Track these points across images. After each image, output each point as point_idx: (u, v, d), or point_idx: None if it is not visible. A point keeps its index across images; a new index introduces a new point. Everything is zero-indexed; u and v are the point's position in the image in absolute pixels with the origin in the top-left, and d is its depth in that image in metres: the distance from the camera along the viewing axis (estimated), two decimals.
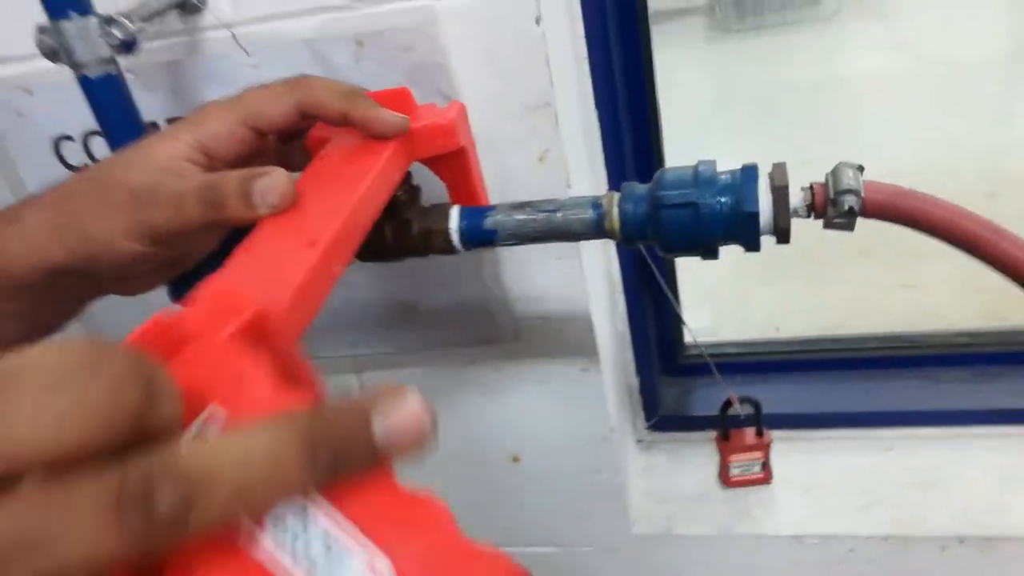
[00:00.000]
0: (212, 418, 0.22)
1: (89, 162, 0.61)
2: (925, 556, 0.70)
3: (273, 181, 0.37)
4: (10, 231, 0.40)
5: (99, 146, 0.60)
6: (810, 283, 1.51)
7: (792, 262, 1.55)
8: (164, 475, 0.18)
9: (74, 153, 0.61)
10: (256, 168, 0.38)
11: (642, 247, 0.72)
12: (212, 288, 0.30)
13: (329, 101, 0.42)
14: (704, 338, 0.84)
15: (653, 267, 0.74)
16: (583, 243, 0.61)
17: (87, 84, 0.47)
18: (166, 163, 0.40)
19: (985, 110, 2.55)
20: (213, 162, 0.42)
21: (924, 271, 1.47)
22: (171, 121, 0.58)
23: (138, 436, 0.19)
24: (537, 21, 0.50)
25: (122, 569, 0.18)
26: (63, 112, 0.59)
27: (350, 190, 0.39)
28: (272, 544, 0.21)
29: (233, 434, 0.21)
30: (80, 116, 0.59)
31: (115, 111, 0.48)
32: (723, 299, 1.49)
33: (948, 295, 1.38)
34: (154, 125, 0.58)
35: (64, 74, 0.56)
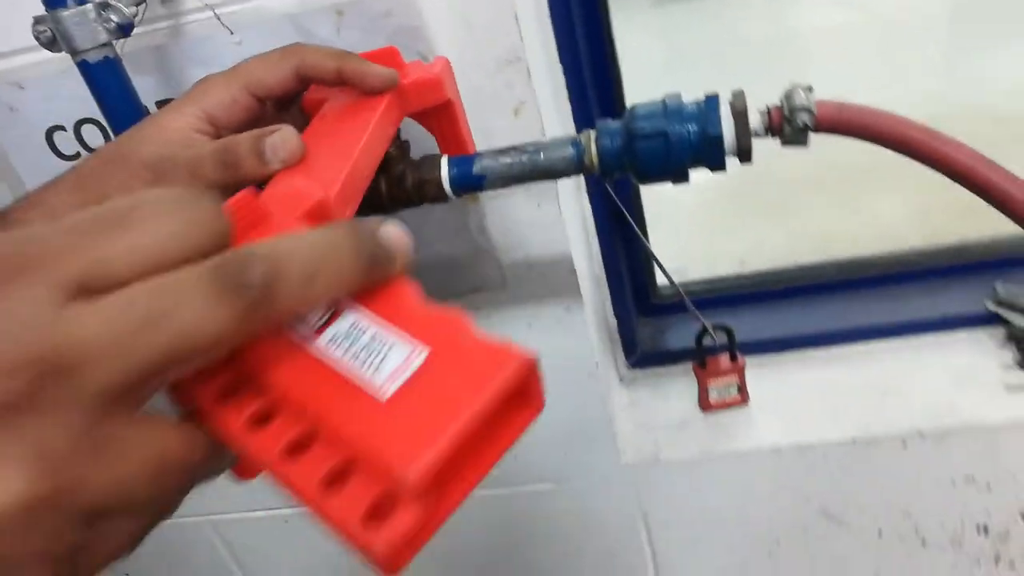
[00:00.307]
0: None
1: (82, 150, 0.63)
2: (890, 453, 0.77)
3: (282, 137, 0.41)
4: (36, 213, 0.43)
5: (90, 133, 0.63)
6: (769, 219, 1.60)
7: (751, 200, 1.63)
8: (252, 256, 0.22)
9: (67, 142, 0.63)
10: (265, 128, 0.42)
11: (612, 192, 0.77)
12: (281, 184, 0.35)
13: (323, 62, 0.45)
14: (675, 278, 0.89)
15: (624, 211, 0.79)
16: (560, 190, 0.65)
17: (87, 69, 0.49)
18: (177, 135, 0.43)
19: (928, 63, 2.65)
20: (219, 131, 0.45)
21: (874, 199, 1.55)
22: (160, 104, 0.61)
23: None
24: None
25: (228, 351, 0.22)
26: (54, 103, 0.61)
27: (352, 142, 0.42)
28: (325, 341, 0.25)
29: (299, 232, 0.25)
30: (70, 106, 0.61)
31: (115, 93, 0.50)
32: (689, 240, 1.57)
33: (897, 219, 1.47)
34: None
35: (52, 66, 0.59)
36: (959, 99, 2.20)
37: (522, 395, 0.24)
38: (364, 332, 0.25)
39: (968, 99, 2.17)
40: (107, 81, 0.50)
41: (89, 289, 0.21)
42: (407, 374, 0.24)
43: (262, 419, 0.24)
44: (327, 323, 0.25)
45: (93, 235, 0.21)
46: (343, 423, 0.23)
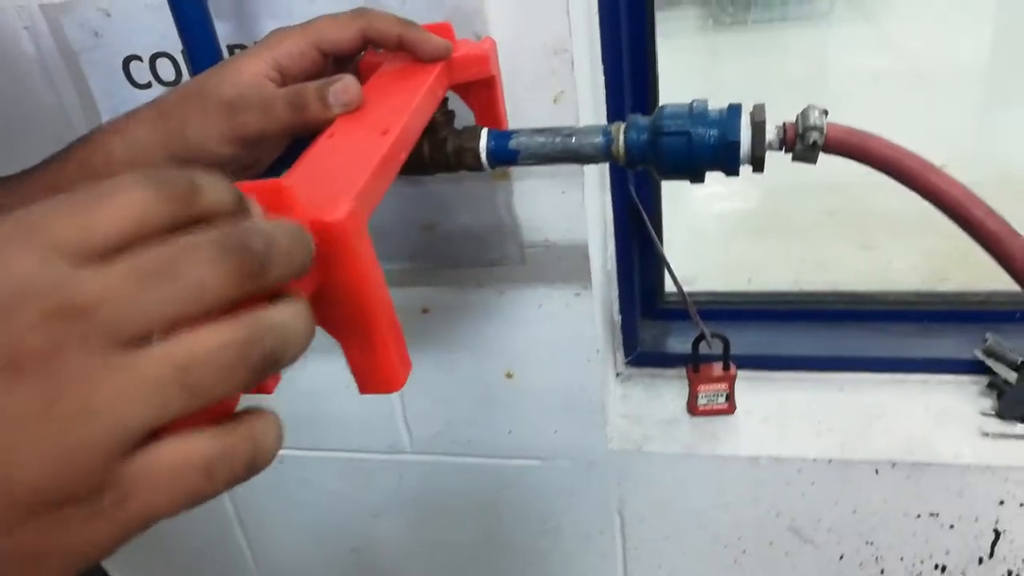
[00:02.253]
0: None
1: (154, 81, 0.69)
2: (862, 478, 0.80)
3: (344, 84, 0.46)
4: (117, 139, 0.48)
5: (164, 67, 0.68)
6: (782, 245, 1.65)
7: (769, 227, 1.68)
8: (254, 229, 0.25)
9: (141, 72, 0.68)
10: (330, 77, 0.47)
11: (634, 193, 0.81)
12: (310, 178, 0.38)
13: (388, 27, 0.50)
14: (683, 286, 0.93)
15: (643, 213, 0.83)
16: (585, 181, 0.69)
17: (177, 3, 0.54)
18: (250, 78, 0.48)
19: (965, 112, 2.68)
20: (285, 79, 0.50)
21: (882, 235, 1.61)
22: (232, 48, 0.66)
23: (200, 216, 0.25)
24: None
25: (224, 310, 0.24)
26: (135, 35, 0.67)
27: (406, 100, 0.47)
28: None
29: (278, 219, 0.27)
30: (149, 39, 0.67)
31: (198, 29, 0.55)
32: (703, 253, 1.62)
33: (900, 257, 1.52)
34: None
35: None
36: (985, 154, 2.24)
37: None
38: None
39: (995, 156, 2.21)
40: (193, 17, 0.54)
41: (99, 252, 0.22)
42: None
43: None
44: None
45: (94, 205, 0.23)
46: None
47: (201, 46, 0.56)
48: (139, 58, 0.67)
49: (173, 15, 0.55)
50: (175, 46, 0.65)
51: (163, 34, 0.66)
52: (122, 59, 0.68)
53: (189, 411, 0.23)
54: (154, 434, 0.23)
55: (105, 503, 0.22)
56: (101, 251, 0.22)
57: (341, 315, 0.32)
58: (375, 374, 0.34)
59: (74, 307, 0.21)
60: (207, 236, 0.24)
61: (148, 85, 0.68)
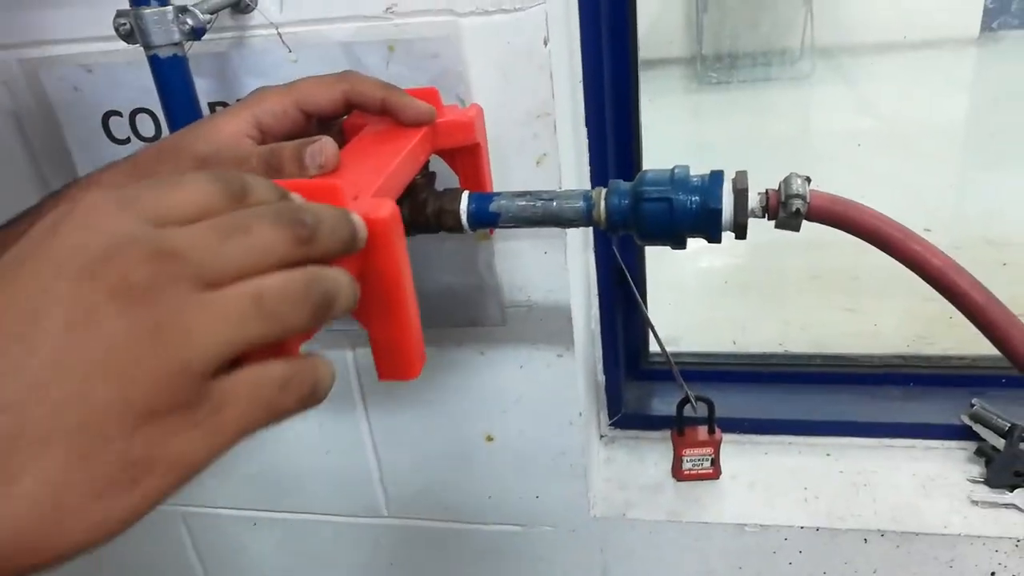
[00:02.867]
0: None
1: (133, 136, 0.68)
2: (850, 546, 0.78)
3: (320, 145, 0.45)
4: (92, 190, 0.47)
5: (144, 123, 0.68)
6: (766, 302, 1.65)
7: (752, 283, 1.69)
8: (305, 207, 0.30)
9: (120, 128, 0.68)
10: (308, 138, 0.46)
11: (617, 255, 0.81)
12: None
13: (372, 91, 0.50)
14: (667, 347, 0.92)
15: (628, 276, 0.83)
16: (568, 242, 0.69)
17: (156, 63, 0.54)
18: (228, 137, 0.48)
19: (945, 174, 2.73)
20: (265, 138, 0.49)
21: (865, 298, 1.62)
22: (213, 105, 0.66)
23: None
24: (545, 42, 0.59)
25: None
26: (116, 90, 0.66)
27: (385, 162, 0.46)
28: None
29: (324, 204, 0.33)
30: (130, 95, 0.66)
31: (178, 88, 0.55)
32: (687, 313, 1.62)
33: (884, 320, 1.52)
34: None
35: (120, 56, 0.64)
36: (966, 217, 2.28)
37: None
38: None
39: (975, 219, 2.25)
40: (173, 76, 0.54)
41: (178, 221, 0.28)
42: None
43: None
44: None
45: (169, 190, 0.29)
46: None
47: (180, 102, 0.55)
48: (119, 113, 0.67)
49: (152, 71, 0.54)
50: (155, 102, 0.65)
51: (144, 90, 0.65)
52: (102, 114, 0.67)
53: (265, 339, 0.27)
54: (236, 362, 0.27)
55: (202, 414, 0.26)
56: (179, 220, 0.28)
57: (375, 302, 0.38)
58: (396, 360, 0.40)
59: (168, 252, 0.26)
60: (267, 208, 0.30)
61: (127, 140, 0.68)
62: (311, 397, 0.30)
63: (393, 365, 0.40)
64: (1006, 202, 2.37)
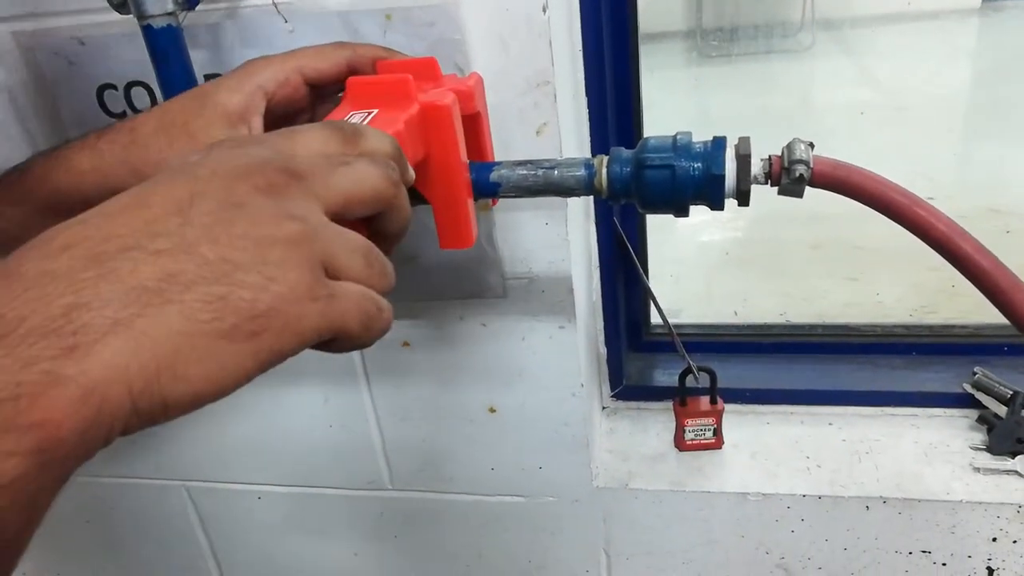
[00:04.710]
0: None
1: (128, 110, 0.67)
2: (853, 515, 0.79)
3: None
4: (85, 153, 0.47)
5: (139, 96, 0.67)
6: (768, 273, 1.65)
7: (753, 253, 1.69)
8: (392, 157, 0.38)
9: (115, 101, 0.67)
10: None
11: (619, 226, 0.80)
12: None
13: (374, 51, 0.50)
14: (669, 319, 0.92)
15: (629, 246, 0.82)
16: (569, 214, 0.68)
17: (150, 33, 0.53)
18: (233, 112, 0.47)
19: (947, 145, 2.72)
20: (268, 104, 0.49)
21: (867, 269, 1.63)
22: (208, 77, 0.65)
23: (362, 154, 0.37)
24: (544, 9, 0.58)
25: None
26: (110, 63, 0.65)
27: (390, 126, 0.46)
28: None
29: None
30: (124, 67, 0.65)
31: (173, 59, 0.54)
32: (688, 285, 1.62)
33: (887, 290, 1.52)
34: None
35: (114, 28, 0.63)
36: (969, 187, 2.27)
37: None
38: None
39: (978, 189, 2.24)
40: (167, 47, 0.53)
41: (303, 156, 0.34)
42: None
43: None
44: None
45: (293, 135, 0.36)
46: None
47: (175, 73, 0.55)
48: (113, 87, 0.66)
49: (146, 42, 0.54)
50: (151, 75, 0.64)
51: (138, 63, 0.64)
52: (96, 87, 0.66)
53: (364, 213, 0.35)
54: None
55: (320, 291, 0.30)
56: (304, 155, 0.34)
57: (439, 178, 0.47)
58: (456, 231, 0.49)
59: (295, 171, 0.32)
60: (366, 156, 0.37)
61: (122, 114, 0.67)
62: (380, 335, 0.34)
63: (453, 236, 0.49)
64: (1009, 171, 2.36)
